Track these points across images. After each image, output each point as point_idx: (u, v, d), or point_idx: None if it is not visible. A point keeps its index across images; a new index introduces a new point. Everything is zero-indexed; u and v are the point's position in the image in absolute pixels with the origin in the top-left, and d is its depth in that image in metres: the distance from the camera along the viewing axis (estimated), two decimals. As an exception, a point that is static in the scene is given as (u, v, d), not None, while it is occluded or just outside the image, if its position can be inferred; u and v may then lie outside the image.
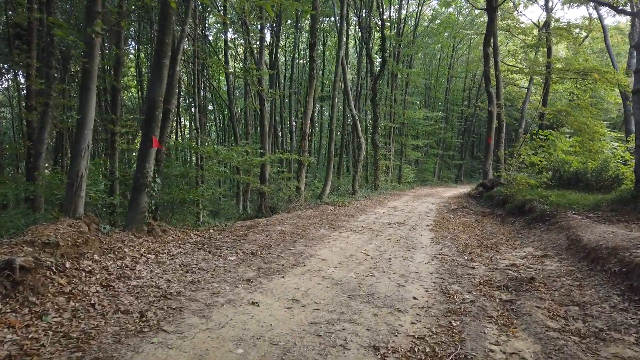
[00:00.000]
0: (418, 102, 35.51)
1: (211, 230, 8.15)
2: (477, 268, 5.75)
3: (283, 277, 5.02)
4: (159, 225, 6.66)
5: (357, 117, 16.42)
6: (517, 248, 7.19)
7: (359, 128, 16.52)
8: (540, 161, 11.58)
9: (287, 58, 26.06)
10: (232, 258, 5.81)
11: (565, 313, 3.99)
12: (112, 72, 13.78)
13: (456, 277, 5.28)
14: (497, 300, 4.37)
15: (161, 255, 5.70)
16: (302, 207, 13.04)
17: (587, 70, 15.16)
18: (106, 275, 4.62)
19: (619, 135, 18.86)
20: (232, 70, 15.42)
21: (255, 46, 14.21)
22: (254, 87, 13.61)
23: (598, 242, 5.90)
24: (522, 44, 23.60)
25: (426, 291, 4.67)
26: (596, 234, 6.48)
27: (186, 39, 10.84)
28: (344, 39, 15.35)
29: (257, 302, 4.03)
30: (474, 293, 4.64)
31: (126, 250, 5.49)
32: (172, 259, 5.59)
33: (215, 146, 8.74)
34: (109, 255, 5.23)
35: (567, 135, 12.60)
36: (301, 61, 28.45)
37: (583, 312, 4.03)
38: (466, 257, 6.37)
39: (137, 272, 4.90)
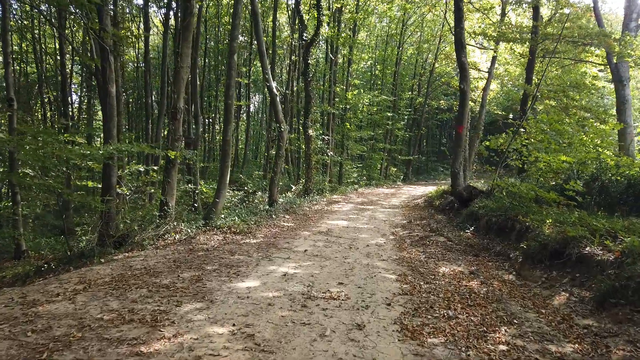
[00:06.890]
0: (362, 90, 30.85)
1: None
2: None
3: None
4: None
5: (275, 91, 10.90)
6: None
7: (279, 108, 11.04)
8: (563, 162, 7.04)
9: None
10: None
11: None
12: None
13: None
14: None
15: None
16: (169, 240, 7.40)
17: (593, 35, 10.96)
18: None
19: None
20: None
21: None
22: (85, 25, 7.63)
23: None
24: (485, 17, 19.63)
25: None
26: None
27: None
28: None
29: None
30: None
31: None
32: None
33: None
34: None
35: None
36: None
37: None
38: None
39: None
